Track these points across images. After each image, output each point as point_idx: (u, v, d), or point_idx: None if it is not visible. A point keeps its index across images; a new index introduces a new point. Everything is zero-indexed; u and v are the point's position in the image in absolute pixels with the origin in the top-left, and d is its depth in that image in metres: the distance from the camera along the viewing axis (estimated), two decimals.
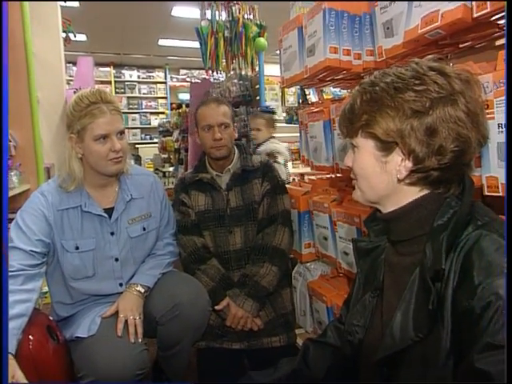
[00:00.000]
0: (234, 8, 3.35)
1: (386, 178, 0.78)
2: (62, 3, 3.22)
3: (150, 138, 8.76)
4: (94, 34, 6.42)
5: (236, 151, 1.83)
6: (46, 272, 1.37)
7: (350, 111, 0.82)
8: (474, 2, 0.96)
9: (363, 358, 0.88)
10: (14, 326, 1.11)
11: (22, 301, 1.17)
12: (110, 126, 1.32)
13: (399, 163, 0.76)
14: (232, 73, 3.70)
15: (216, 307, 1.59)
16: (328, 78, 1.79)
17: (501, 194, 0.94)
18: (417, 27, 1.11)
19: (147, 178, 1.60)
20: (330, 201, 1.66)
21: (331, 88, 3.51)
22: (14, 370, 1.04)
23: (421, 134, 0.71)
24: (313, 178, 2.26)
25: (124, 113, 8.59)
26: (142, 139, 8.74)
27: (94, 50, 7.00)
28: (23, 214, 1.32)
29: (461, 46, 1.21)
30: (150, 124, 8.81)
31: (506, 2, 0.81)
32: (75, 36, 3.71)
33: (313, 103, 2.19)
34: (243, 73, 3.54)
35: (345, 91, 2.64)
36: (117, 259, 1.43)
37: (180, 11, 5.53)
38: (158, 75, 8.91)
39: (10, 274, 1.18)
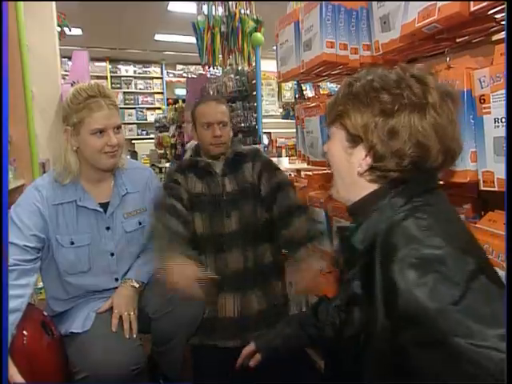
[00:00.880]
0: (230, 3, 3.34)
1: (348, 168, 0.83)
2: None
3: (147, 134, 8.72)
4: (89, 29, 6.36)
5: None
6: (40, 268, 1.35)
7: (333, 100, 0.86)
8: None
9: None
10: (8, 321, 1.10)
11: (16, 296, 1.16)
12: (107, 120, 1.32)
13: (362, 158, 0.79)
14: (228, 68, 3.68)
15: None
16: (325, 73, 1.79)
17: (496, 189, 0.94)
18: (414, 21, 1.10)
19: (143, 172, 1.59)
20: (325, 196, 1.66)
21: (328, 83, 3.50)
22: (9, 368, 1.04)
23: (383, 133, 0.75)
24: (309, 173, 2.26)
25: (120, 108, 8.45)
26: (138, 135, 8.70)
27: (90, 44, 6.93)
28: (18, 209, 1.30)
29: (458, 40, 1.21)
30: (146, 119, 8.76)
31: (506, 2, 0.81)
32: (70, 30, 3.69)
33: (309, 98, 2.18)
34: (240, 68, 3.53)
35: None
36: (112, 254, 1.42)
37: (176, 6, 5.49)
38: (155, 70, 8.85)
39: None
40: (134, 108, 8.70)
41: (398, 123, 0.74)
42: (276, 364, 1.19)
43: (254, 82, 3.32)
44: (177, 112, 5.77)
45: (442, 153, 0.77)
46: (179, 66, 8.96)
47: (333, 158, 0.87)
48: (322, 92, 3.41)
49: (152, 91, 8.83)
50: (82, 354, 1.24)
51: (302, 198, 1.82)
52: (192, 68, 8.88)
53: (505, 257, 0.67)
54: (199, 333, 1.58)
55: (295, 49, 1.72)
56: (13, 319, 1.12)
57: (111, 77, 8.47)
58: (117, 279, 1.44)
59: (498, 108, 0.92)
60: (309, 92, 3.63)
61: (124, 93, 8.61)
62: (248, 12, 3.41)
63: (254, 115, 3.31)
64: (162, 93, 8.83)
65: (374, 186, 0.82)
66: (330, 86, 3.69)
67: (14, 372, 1.05)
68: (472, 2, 0.96)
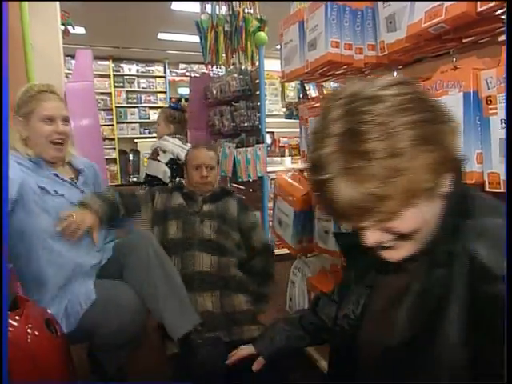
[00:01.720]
0: (234, 2, 3.33)
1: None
2: None
3: (149, 133, 8.71)
4: (92, 27, 6.36)
5: None
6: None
7: None
8: None
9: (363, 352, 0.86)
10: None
11: None
12: (56, 110, 1.48)
13: None
14: (232, 67, 3.68)
15: None
16: (329, 73, 1.79)
17: (502, 190, 0.94)
18: (420, 21, 1.10)
19: (92, 165, 1.79)
20: None
21: (331, 83, 3.49)
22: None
23: None
24: None
25: (123, 107, 8.56)
26: (140, 133, 8.69)
27: (93, 43, 6.93)
28: None
29: (464, 40, 1.20)
30: (148, 118, 8.74)
31: (506, 2, 0.81)
32: (74, 29, 3.67)
33: (314, 98, 2.18)
34: (243, 67, 3.52)
35: None
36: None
37: (180, 5, 5.49)
38: (158, 69, 8.84)
39: None
40: (137, 107, 8.70)
41: None
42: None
43: (257, 81, 3.30)
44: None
45: None
46: (182, 65, 8.95)
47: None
48: (325, 92, 3.40)
49: (155, 90, 8.82)
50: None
51: (305, 201, 1.82)
52: (195, 67, 8.87)
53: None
54: None
55: (299, 48, 1.71)
56: None
57: (114, 75, 8.46)
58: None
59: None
60: (312, 92, 3.62)
61: (127, 91, 8.61)
62: (252, 11, 3.40)
63: (258, 115, 3.29)
64: (164, 92, 8.82)
65: None
66: (333, 86, 3.67)
67: None
68: (479, 3, 0.96)
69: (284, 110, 3.54)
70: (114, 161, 8.27)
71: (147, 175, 2.67)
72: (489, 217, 0.67)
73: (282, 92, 3.60)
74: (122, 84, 8.57)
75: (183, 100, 6.01)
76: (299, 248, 1.89)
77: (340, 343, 0.91)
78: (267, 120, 3.32)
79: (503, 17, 1.02)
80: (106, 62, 8.35)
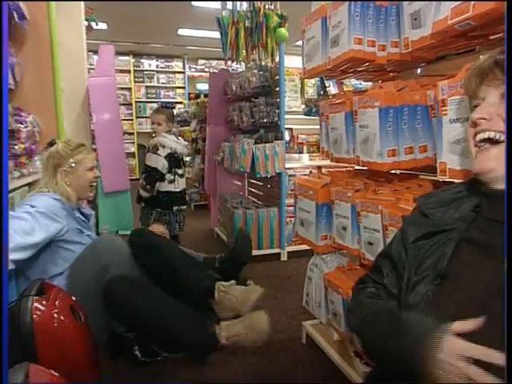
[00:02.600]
0: None
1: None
2: None
3: None
4: (114, 23, 6.45)
5: None
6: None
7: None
8: None
9: None
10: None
11: None
12: (94, 160, 1.88)
13: None
14: (252, 63, 3.68)
15: None
16: (350, 70, 1.78)
17: None
18: (446, 18, 1.09)
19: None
20: (353, 190, 1.66)
21: (351, 80, 3.47)
22: None
23: None
24: (330, 169, 2.26)
25: (142, 102, 8.67)
26: None
27: (114, 38, 7.04)
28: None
29: (491, 37, 1.19)
30: (174, 107, 8.84)
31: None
32: (97, 24, 3.74)
33: (334, 95, 2.17)
34: (263, 63, 3.52)
35: (367, 84, 2.61)
36: None
37: (201, 1, 5.52)
38: (177, 65, 8.92)
39: None
40: (156, 102, 8.78)
41: None
42: None
43: (277, 77, 3.30)
44: (198, 107, 5.80)
45: None
46: (201, 61, 9.01)
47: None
48: (345, 89, 3.38)
49: (174, 85, 8.90)
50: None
51: (326, 193, 1.82)
52: (214, 63, 8.91)
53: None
54: None
55: (322, 45, 1.71)
56: None
57: (134, 71, 8.56)
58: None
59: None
60: (332, 89, 3.60)
61: (146, 87, 8.71)
62: (272, 7, 3.40)
63: (277, 111, 3.29)
64: (183, 87, 8.89)
65: None
66: (353, 83, 3.65)
67: None
68: None
69: (303, 106, 3.53)
70: (132, 155, 8.39)
71: (147, 166, 2.98)
72: None
73: (302, 89, 3.59)
74: (141, 79, 8.68)
75: (202, 96, 6.04)
76: (323, 245, 1.89)
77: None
78: (286, 116, 3.32)
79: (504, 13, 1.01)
80: (127, 58, 8.46)
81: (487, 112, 0.77)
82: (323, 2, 1.72)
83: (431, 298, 0.78)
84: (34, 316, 1.19)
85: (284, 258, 3.50)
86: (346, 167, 2.10)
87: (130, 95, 8.58)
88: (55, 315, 1.22)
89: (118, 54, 7.95)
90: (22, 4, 2.09)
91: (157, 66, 8.79)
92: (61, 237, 1.63)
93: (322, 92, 3.52)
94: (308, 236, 1.96)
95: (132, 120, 8.55)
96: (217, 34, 3.59)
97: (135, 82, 8.61)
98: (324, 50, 1.70)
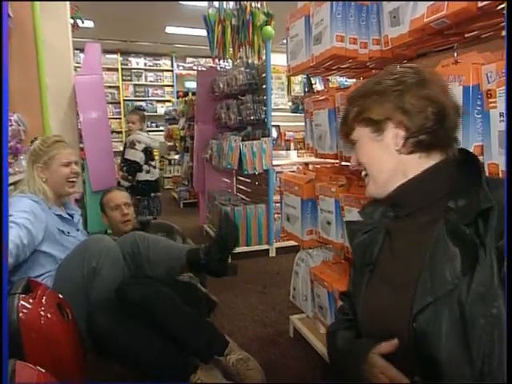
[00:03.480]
0: None
1: (387, 154, 0.89)
2: None
3: (156, 126, 8.76)
4: (101, 21, 6.40)
5: None
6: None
7: (344, 113, 0.98)
8: None
9: (364, 334, 0.92)
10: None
11: None
12: (71, 156, 1.82)
13: (394, 136, 0.88)
14: (239, 61, 3.70)
15: None
16: (334, 67, 1.80)
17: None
18: (423, 16, 1.12)
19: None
20: (337, 186, 1.69)
21: (337, 77, 3.51)
22: None
23: (406, 105, 0.85)
24: (317, 166, 2.28)
25: (130, 100, 8.61)
26: (148, 127, 8.73)
27: (101, 36, 6.97)
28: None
29: (466, 35, 1.22)
30: (156, 112, 8.79)
31: (506, 2, 0.83)
32: (83, 22, 3.71)
33: (318, 92, 2.19)
34: (250, 61, 3.54)
35: (351, 80, 2.64)
36: None
37: (188, 1, 5.51)
38: (165, 63, 8.86)
39: None
40: (145, 100, 8.75)
41: (411, 95, 0.85)
42: None
43: (263, 75, 3.32)
44: (187, 105, 5.80)
45: (454, 109, 0.87)
46: (189, 59, 8.97)
47: (368, 157, 0.93)
48: (331, 86, 3.41)
49: (162, 84, 8.86)
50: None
51: (311, 189, 1.85)
52: (202, 61, 8.89)
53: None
54: None
55: (305, 42, 1.73)
56: None
57: (122, 69, 8.51)
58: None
59: (503, 103, 0.94)
60: (318, 86, 3.63)
61: (134, 85, 8.66)
62: (259, 5, 3.42)
63: (264, 108, 3.32)
64: (172, 85, 8.85)
65: (415, 158, 0.88)
66: (339, 81, 3.69)
67: None
68: None
69: (290, 104, 3.56)
70: (120, 154, 8.30)
71: (127, 159, 3.50)
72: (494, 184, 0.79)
73: (288, 86, 3.62)
74: (129, 77, 8.62)
75: (190, 94, 6.04)
76: (309, 240, 1.91)
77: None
78: (273, 114, 3.35)
79: (505, 12, 1.04)
80: (114, 56, 8.39)
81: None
82: (308, 2, 1.74)
83: (370, 283, 0.93)
84: (21, 314, 1.18)
85: (272, 253, 3.54)
86: (332, 163, 2.13)
87: (118, 93, 8.52)
88: (42, 313, 1.22)
89: (106, 52, 7.88)
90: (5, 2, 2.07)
91: (145, 64, 8.74)
92: (39, 242, 1.57)
93: (308, 89, 3.55)
94: (294, 231, 1.99)
95: (120, 119, 8.49)
96: (204, 32, 3.60)
97: (123, 80, 8.55)
98: (307, 47, 1.72)
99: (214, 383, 1.53)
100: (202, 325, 1.62)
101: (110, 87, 8.28)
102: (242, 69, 3.43)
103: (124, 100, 8.54)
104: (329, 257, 1.97)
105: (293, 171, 3.21)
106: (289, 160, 3.66)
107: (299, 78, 3.66)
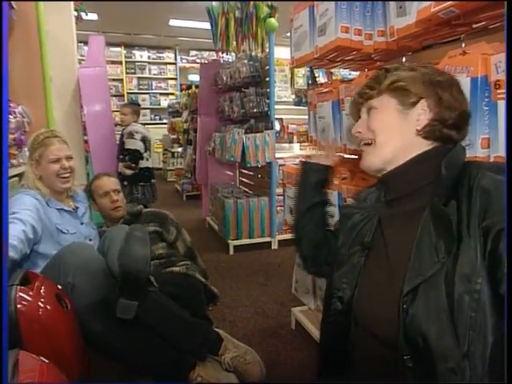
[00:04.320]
0: None
1: (405, 129, 0.90)
2: None
3: (160, 119, 8.76)
4: (105, 13, 6.37)
5: None
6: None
7: (374, 78, 0.97)
8: None
9: (358, 316, 0.93)
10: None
11: None
12: (59, 151, 1.76)
13: (420, 114, 0.88)
14: (242, 53, 3.68)
15: None
16: (338, 59, 1.79)
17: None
18: (430, 6, 1.10)
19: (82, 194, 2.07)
20: (340, 178, 1.68)
21: (341, 71, 3.48)
22: None
23: (444, 95, 0.87)
24: None
25: (134, 93, 8.60)
26: (151, 120, 8.74)
27: (105, 29, 6.95)
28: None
29: (474, 26, 1.20)
30: (159, 105, 8.79)
31: (505, 2, 0.81)
32: (87, 15, 3.70)
33: (322, 84, 2.18)
34: (253, 54, 3.52)
35: (355, 73, 2.62)
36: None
37: None
38: (168, 56, 8.85)
39: None
40: (148, 93, 8.74)
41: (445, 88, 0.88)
42: None
43: (267, 67, 3.30)
44: (190, 98, 5.78)
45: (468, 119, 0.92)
46: (193, 52, 8.94)
47: (384, 125, 0.93)
48: (334, 78, 3.39)
49: (166, 77, 8.84)
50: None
51: None
52: (205, 54, 8.86)
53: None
54: None
55: (309, 34, 1.71)
56: None
57: (126, 62, 8.49)
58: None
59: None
60: (322, 79, 3.61)
61: (138, 78, 8.65)
62: None
63: (267, 101, 3.30)
64: (175, 78, 8.84)
65: (426, 143, 0.90)
66: (342, 74, 3.66)
67: None
68: None
69: (293, 96, 3.53)
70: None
71: (128, 149, 3.65)
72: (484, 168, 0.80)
73: (292, 79, 3.59)
74: (133, 70, 8.61)
75: (193, 86, 6.02)
76: None
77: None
78: (276, 107, 3.33)
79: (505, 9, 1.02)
80: (118, 49, 8.38)
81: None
82: None
83: (363, 268, 0.95)
84: (19, 305, 1.17)
85: (275, 246, 3.54)
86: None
87: (122, 86, 8.51)
88: (40, 304, 1.21)
89: (110, 44, 7.87)
90: None
91: (148, 57, 8.72)
92: (39, 240, 1.56)
93: (311, 82, 3.53)
94: None
95: None
96: (208, 25, 3.58)
97: (127, 73, 8.54)
98: (311, 38, 1.70)
99: (213, 381, 1.53)
100: (192, 326, 1.61)
101: (113, 80, 8.27)
102: (246, 61, 3.41)
103: (128, 93, 8.53)
104: None
105: (296, 164, 3.21)
106: (291, 153, 3.65)
107: (302, 71, 3.63)
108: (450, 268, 0.75)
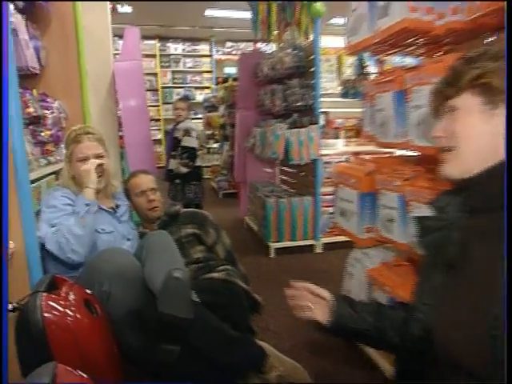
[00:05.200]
0: None
1: (492, 130, 0.78)
2: None
3: (195, 114, 8.69)
4: (139, 6, 6.32)
5: None
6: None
7: (453, 74, 0.84)
8: None
9: (437, 343, 0.82)
10: None
11: None
12: (88, 150, 1.70)
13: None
14: (284, 43, 3.50)
15: None
16: (400, 44, 1.60)
17: None
18: None
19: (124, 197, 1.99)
20: (402, 179, 1.50)
21: (394, 59, 3.22)
22: None
23: None
24: (366, 156, 2.10)
25: (168, 87, 8.57)
26: None
27: (139, 22, 6.89)
28: None
29: None
30: (194, 99, 8.72)
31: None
32: (122, 6, 3.64)
33: (382, 73, 1.98)
34: (297, 42, 3.32)
35: (410, 62, 2.38)
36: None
37: None
38: (203, 48, 8.74)
39: None
40: (183, 87, 8.67)
41: None
42: None
43: (312, 57, 3.11)
44: (227, 91, 5.65)
45: None
46: (229, 44, 8.79)
47: (469, 130, 0.81)
48: (386, 68, 3.14)
49: (201, 70, 8.75)
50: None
51: (370, 181, 1.68)
52: (242, 45, 8.69)
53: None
54: None
55: (369, 16, 1.54)
56: None
57: (160, 55, 8.46)
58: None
59: None
60: (372, 68, 3.36)
61: (173, 72, 8.60)
62: None
63: (312, 93, 3.12)
64: (210, 71, 8.73)
65: None
66: (394, 63, 3.38)
67: None
68: None
69: (340, 88, 3.33)
70: (159, 142, 8.35)
71: (186, 147, 3.60)
72: None
73: (339, 69, 3.38)
74: (168, 64, 8.57)
75: (230, 80, 5.88)
76: (367, 238, 1.74)
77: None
78: (321, 99, 3.15)
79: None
80: (152, 42, 8.34)
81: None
82: None
83: (445, 288, 0.84)
84: (46, 314, 1.12)
85: (319, 249, 3.37)
86: (391, 153, 1.93)
87: (156, 81, 8.50)
88: (68, 311, 1.15)
89: (144, 37, 7.81)
90: None
91: (183, 50, 8.63)
92: None
93: (360, 72, 3.30)
94: (349, 228, 1.83)
95: (158, 106, 8.47)
96: (245, 15, 3.44)
97: (161, 66, 8.51)
98: (371, 21, 1.53)
99: None
100: (233, 340, 1.49)
101: (147, 74, 8.24)
102: (289, 50, 3.23)
103: (162, 87, 8.51)
104: (388, 257, 1.79)
105: (341, 161, 3.03)
106: (337, 149, 3.45)
107: (350, 61, 3.40)
108: None
